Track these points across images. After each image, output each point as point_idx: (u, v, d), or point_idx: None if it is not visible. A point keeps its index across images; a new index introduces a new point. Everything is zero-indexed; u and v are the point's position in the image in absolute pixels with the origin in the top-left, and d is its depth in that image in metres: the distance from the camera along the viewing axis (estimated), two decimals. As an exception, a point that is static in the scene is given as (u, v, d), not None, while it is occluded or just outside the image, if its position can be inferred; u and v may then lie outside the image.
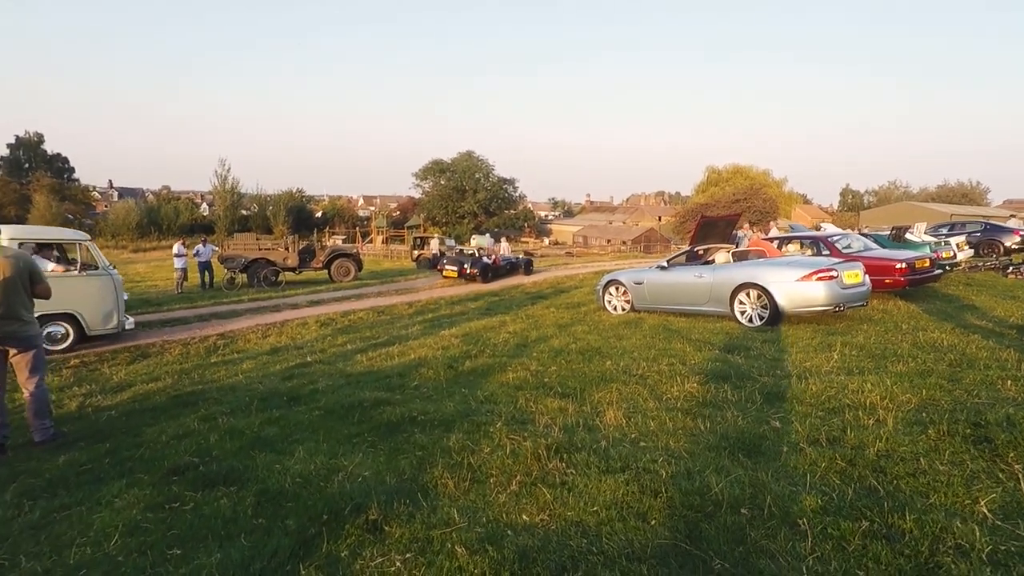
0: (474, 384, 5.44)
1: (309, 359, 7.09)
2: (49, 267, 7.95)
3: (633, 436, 3.58)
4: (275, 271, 16.40)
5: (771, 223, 27.79)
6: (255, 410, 4.80)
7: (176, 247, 15.57)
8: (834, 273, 7.50)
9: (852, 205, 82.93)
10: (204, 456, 3.66)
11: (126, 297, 8.68)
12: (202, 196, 69.02)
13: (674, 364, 5.58)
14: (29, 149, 57.05)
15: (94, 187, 71.47)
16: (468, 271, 17.89)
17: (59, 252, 8.82)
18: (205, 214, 57.98)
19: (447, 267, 18.55)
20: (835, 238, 11.03)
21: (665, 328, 8.14)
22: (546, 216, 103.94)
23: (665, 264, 9.52)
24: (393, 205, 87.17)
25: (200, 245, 16.02)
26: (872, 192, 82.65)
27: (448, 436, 3.69)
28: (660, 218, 76.90)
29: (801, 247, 10.93)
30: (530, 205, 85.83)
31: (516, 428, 3.78)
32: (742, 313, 8.03)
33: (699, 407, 4.12)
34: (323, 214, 66.15)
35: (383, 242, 48.70)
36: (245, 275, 16.16)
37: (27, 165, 55.75)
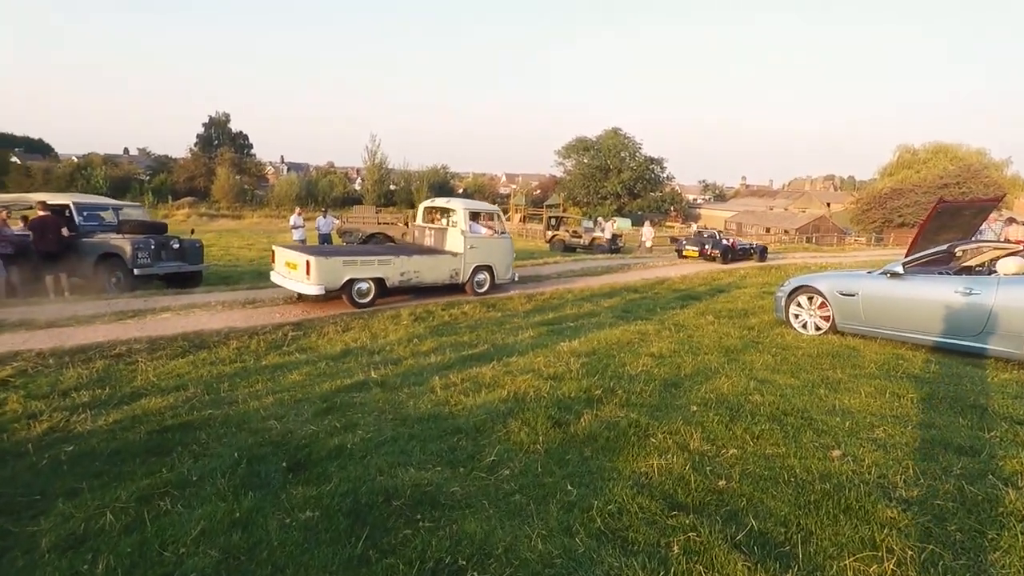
0: (587, 474, 3.15)
1: (373, 375, 5.24)
2: (483, 231, 10.47)
3: None
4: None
5: (999, 215, 21.60)
6: (225, 490, 2.94)
7: (293, 218, 15.02)
8: None
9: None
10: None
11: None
12: (357, 171, 73.15)
13: (976, 472, 2.82)
14: (218, 127, 63.88)
15: (269, 162, 79.15)
16: (709, 252, 18.82)
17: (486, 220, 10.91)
18: (357, 188, 61.10)
19: (687, 247, 19.65)
20: None
21: (905, 372, 5.16)
22: (695, 200, 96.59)
23: (899, 269, 6.33)
24: (535, 183, 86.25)
25: (320, 217, 15.36)
26: None
27: None
28: (828, 204, 67.31)
29: None
30: (677, 187, 79.84)
31: None
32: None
33: None
34: (464, 190, 66.80)
35: (520, 220, 47.50)
36: (364, 250, 15.28)
37: (215, 142, 62.44)
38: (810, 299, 7.30)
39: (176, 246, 10.25)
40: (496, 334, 7.27)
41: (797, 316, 7.43)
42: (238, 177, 53.74)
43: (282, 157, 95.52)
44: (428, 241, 10.88)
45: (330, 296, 8.72)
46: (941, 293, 5.82)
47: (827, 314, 7.06)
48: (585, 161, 60.88)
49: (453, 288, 10.20)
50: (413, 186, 56.44)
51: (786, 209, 63.96)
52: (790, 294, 7.52)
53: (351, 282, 8.59)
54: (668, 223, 62.63)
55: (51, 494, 3.00)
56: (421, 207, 11.62)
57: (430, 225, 11.06)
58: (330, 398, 4.59)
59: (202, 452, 3.52)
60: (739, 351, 6.24)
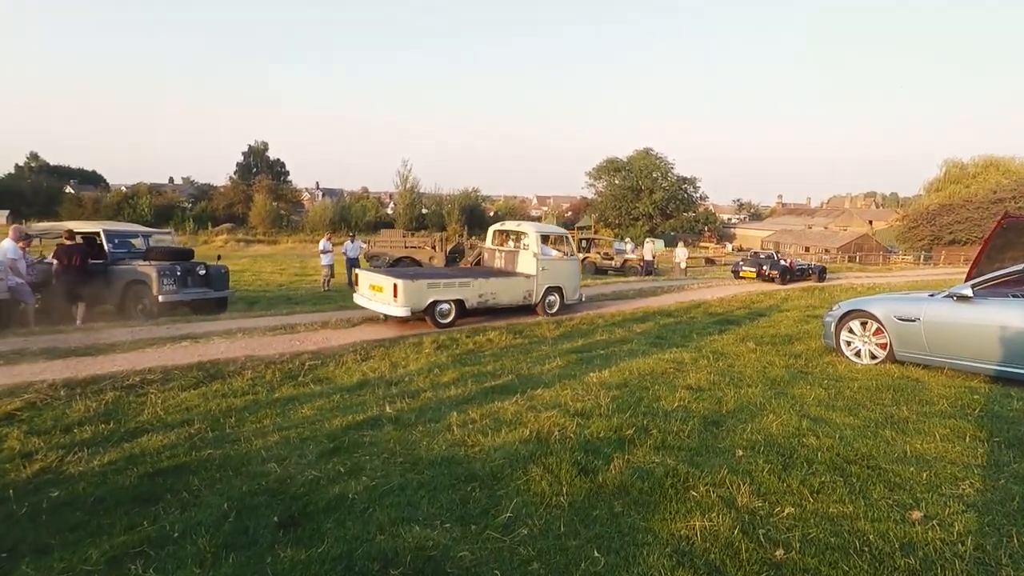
0: (617, 536, 2.72)
1: (388, 409, 4.89)
2: (553, 254, 10.89)
3: None
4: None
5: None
6: (206, 552, 2.61)
7: (322, 243, 15.00)
8: None
9: None
10: None
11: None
12: (390, 196, 74.33)
13: None
14: (256, 156, 65.89)
15: (305, 188, 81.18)
16: (767, 272, 18.78)
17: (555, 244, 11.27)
18: (389, 212, 61.94)
19: (744, 268, 19.65)
20: None
21: (984, 410, 4.57)
22: (729, 219, 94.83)
23: (967, 292, 5.70)
24: (565, 205, 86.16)
25: (348, 241, 15.32)
26: None
27: None
28: (871, 222, 65.08)
29: None
30: (711, 207, 78.47)
31: None
32: None
33: None
34: (495, 213, 67.04)
35: (550, 243, 47.09)
36: (391, 275, 15.14)
37: (254, 170, 64.34)
38: (864, 324, 6.69)
39: (202, 272, 10.23)
40: (521, 363, 6.87)
41: (849, 343, 6.82)
42: (275, 203, 55.10)
43: (317, 183, 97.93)
44: (498, 263, 11.33)
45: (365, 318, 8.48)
46: (1020, 319, 5.18)
47: (884, 341, 6.44)
48: (616, 182, 60.43)
49: (525, 309, 10.55)
50: (444, 210, 56.85)
51: (826, 228, 62.07)
52: (840, 319, 6.92)
53: (434, 304, 9.04)
54: (702, 243, 61.42)
55: (20, 551, 2.72)
56: (491, 230, 12.07)
57: (500, 247, 11.47)
58: (338, 436, 4.25)
59: (192, 501, 3.20)
60: (786, 383, 5.68)
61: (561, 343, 8.22)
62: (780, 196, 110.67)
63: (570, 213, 70.59)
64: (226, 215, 56.62)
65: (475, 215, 59.18)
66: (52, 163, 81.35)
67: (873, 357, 6.56)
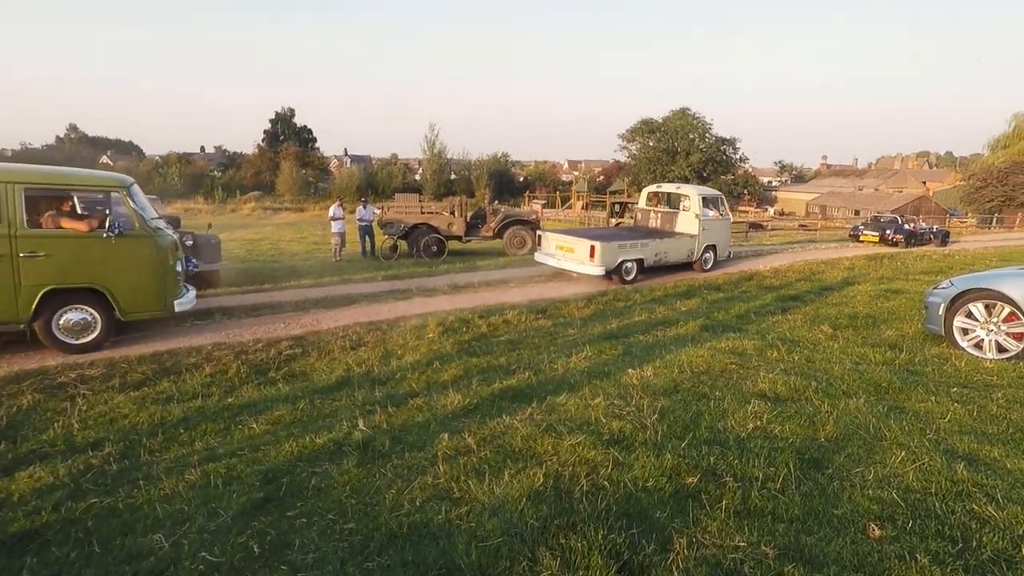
0: None
1: (360, 426, 3.68)
2: (711, 214, 11.28)
3: None
4: (438, 239, 13.80)
5: None
6: None
7: (332, 209, 13.77)
8: None
9: None
10: None
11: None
12: (418, 162, 72.95)
13: None
14: (284, 123, 65.05)
15: (334, 156, 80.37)
16: (891, 237, 17.80)
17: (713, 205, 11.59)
18: (417, 178, 60.67)
19: (865, 232, 18.55)
20: None
21: None
22: (770, 182, 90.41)
23: None
24: (597, 169, 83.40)
25: (360, 207, 14.10)
26: None
27: None
28: (924, 183, 60.78)
29: None
30: (750, 169, 74.64)
31: None
32: None
33: None
34: (525, 178, 65.11)
35: (582, 208, 45.37)
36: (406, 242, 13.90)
37: (281, 137, 63.59)
38: (989, 308, 5.14)
39: (189, 243, 9.15)
40: (541, 353, 5.57)
41: (967, 332, 5.29)
42: (302, 171, 54.32)
43: (345, 150, 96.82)
44: (653, 224, 11.73)
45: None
46: None
47: (1021, 330, 4.90)
48: (651, 144, 57.53)
49: (685, 267, 11.21)
50: (473, 175, 55.20)
51: (876, 190, 58.25)
52: (954, 301, 5.38)
53: (622, 263, 9.77)
54: (741, 208, 58.56)
55: None
56: (645, 191, 12.58)
57: (655, 208, 11.91)
58: (277, 477, 3.05)
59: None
60: (897, 391, 4.24)
61: (591, 325, 6.88)
62: (824, 157, 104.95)
63: (602, 177, 68.01)
64: (254, 183, 56.17)
65: (504, 180, 57.36)
66: (90, 134, 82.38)
67: (1001, 350, 5.03)
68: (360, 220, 14.08)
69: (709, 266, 11.41)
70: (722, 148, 57.45)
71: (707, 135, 57.03)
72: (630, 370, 4.87)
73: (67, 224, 5.48)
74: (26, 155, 61.15)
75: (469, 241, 14.71)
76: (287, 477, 3.04)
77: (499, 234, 14.43)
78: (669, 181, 55.83)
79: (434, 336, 6.22)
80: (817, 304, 8.09)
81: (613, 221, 24.42)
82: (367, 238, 13.96)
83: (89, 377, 4.87)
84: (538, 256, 10.53)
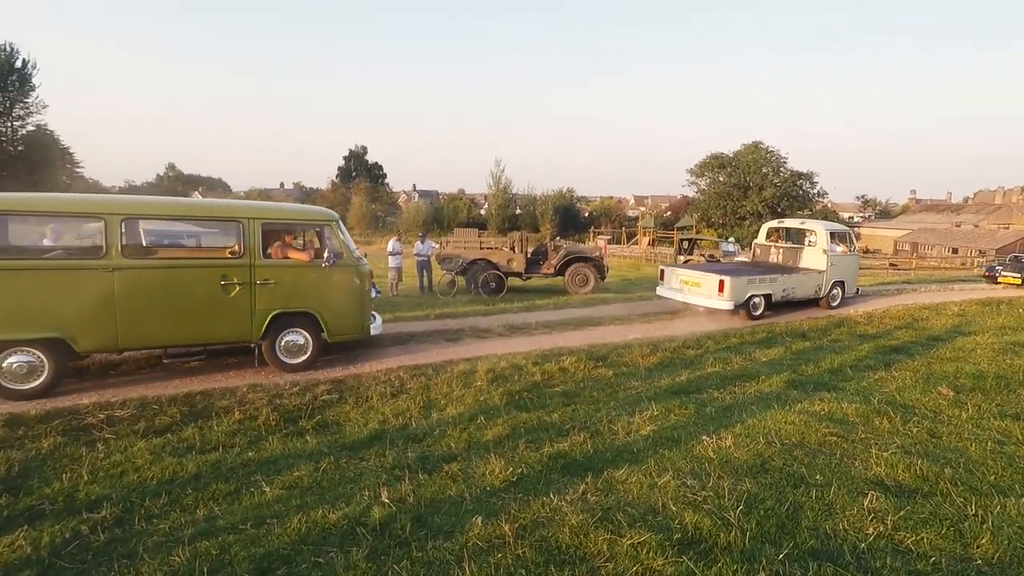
0: None
1: (383, 499, 3.14)
2: (839, 249, 11.10)
3: None
4: (497, 276, 13.37)
5: None
6: None
7: (391, 243, 13.65)
8: None
9: None
10: None
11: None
12: (484, 197, 74.15)
13: None
14: (356, 160, 68.13)
15: (403, 191, 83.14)
16: None
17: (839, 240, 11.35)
18: (482, 213, 61.44)
19: (1005, 273, 16.82)
20: None
21: None
22: (851, 218, 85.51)
23: None
24: (664, 205, 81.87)
25: (418, 242, 13.94)
26: None
27: None
28: (1034, 220, 55.27)
29: None
30: (830, 204, 70.85)
31: None
32: None
33: None
34: (590, 214, 64.62)
35: (649, 244, 44.21)
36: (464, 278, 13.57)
37: (354, 174, 66.53)
38: None
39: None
40: (600, 410, 4.89)
41: None
42: (372, 205, 56.29)
43: (414, 185, 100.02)
44: (774, 259, 11.74)
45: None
46: None
47: None
48: (721, 179, 55.71)
49: (812, 303, 11.04)
50: (538, 210, 55.28)
51: (976, 226, 53.59)
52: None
53: (750, 298, 9.78)
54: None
55: None
56: (765, 227, 12.52)
57: (775, 244, 11.92)
58: (276, 563, 2.55)
59: None
60: (1067, 487, 3.27)
61: (658, 376, 6.13)
62: (913, 192, 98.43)
63: (669, 213, 66.48)
64: (328, 218, 58.67)
65: (569, 216, 57.07)
66: (185, 172, 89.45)
67: None
68: (418, 255, 13.91)
69: (837, 303, 11.16)
70: (798, 183, 54.96)
71: (781, 169, 54.77)
72: (704, 437, 4.12)
73: (292, 255, 6.18)
74: (130, 192, 66.97)
75: (530, 278, 14.20)
76: (284, 568, 2.53)
77: (560, 271, 13.84)
78: (740, 217, 53.79)
79: (482, 384, 5.68)
80: (927, 358, 6.96)
81: (681, 258, 23.29)
82: (425, 273, 13.74)
83: (117, 419, 4.63)
84: (661, 291, 10.73)
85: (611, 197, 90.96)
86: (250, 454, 4.00)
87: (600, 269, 14.27)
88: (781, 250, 11.64)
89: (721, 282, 9.46)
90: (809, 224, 11.65)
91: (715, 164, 57.44)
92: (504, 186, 55.59)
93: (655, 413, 4.75)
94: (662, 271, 10.98)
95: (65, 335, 5.04)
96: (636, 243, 46.20)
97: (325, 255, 6.10)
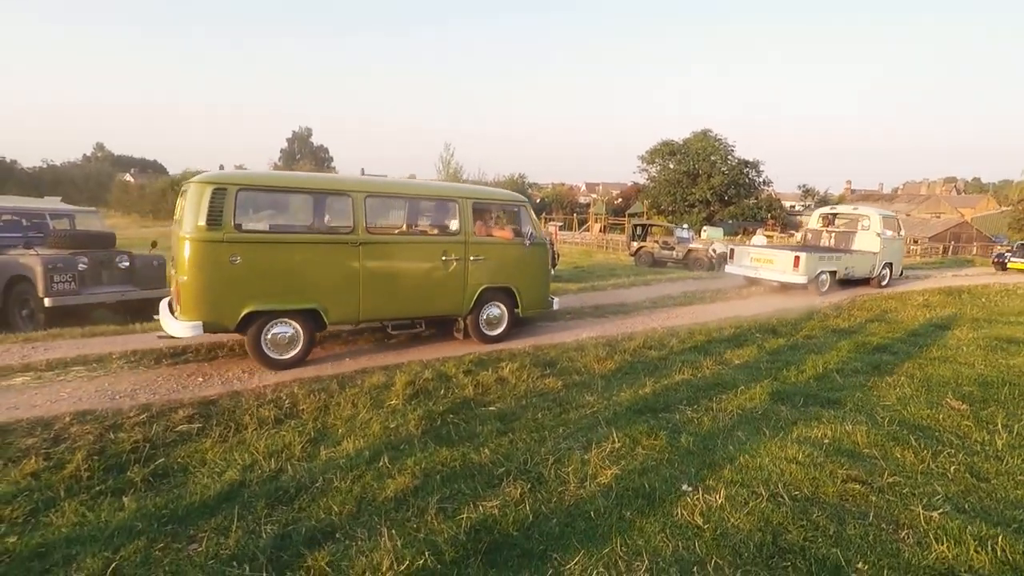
0: None
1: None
2: (889, 234, 11.76)
3: None
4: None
5: None
6: None
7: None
8: None
9: None
10: None
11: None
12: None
13: None
14: (301, 141, 64.88)
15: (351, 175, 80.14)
16: None
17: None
18: (431, 199, 59.71)
19: (1015, 259, 17.17)
20: None
21: None
22: (793, 207, 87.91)
23: None
24: (615, 192, 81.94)
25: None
26: None
27: None
28: (960, 211, 58.06)
29: None
30: (774, 193, 72.43)
31: None
32: None
33: None
34: (542, 200, 63.78)
35: (600, 231, 43.69)
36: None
37: (297, 156, 63.31)
38: None
39: (124, 265, 7.53)
40: (546, 442, 3.74)
41: None
42: (314, 189, 53.66)
43: (363, 170, 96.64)
44: (826, 243, 12.55)
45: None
46: None
47: None
48: (671, 166, 55.77)
49: (863, 282, 11.79)
50: (487, 196, 54.07)
51: (909, 215, 55.74)
52: None
53: (820, 273, 10.52)
54: (766, 232, 56.35)
55: None
56: (817, 212, 13.54)
57: (827, 228, 12.76)
58: None
59: None
60: None
61: (616, 387, 5.02)
62: (849, 182, 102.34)
63: (620, 200, 66.40)
64: (266, 201, 55.54)
65: (520, 202, 56.02)
66: (116, 153, 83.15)
67: None
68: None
69: (886, 282, 12.06)
70: (745, 171, 55.66)
71: (729, 157, 55.30)
72: (685, 487, 3.03)
73: (496, 233, 6.56)
74: (50, 172, 61.32)
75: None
76: None
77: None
78: (689, 204, 54.08)
79: (397, 403, 4.44)
80: (917, 360, 6.14)
81: (635, 244, 22.53)
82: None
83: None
84: (729, 268, 11.54)
85: (563, 184, 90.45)
86: (12, 539, 2.63)
87: (552, 255, 13.16)
88: (833, 234, 12.41)
89: (796, 258, 10.25)
90: (863, 209, 12.50)
91: (665, 151, 57.45)
92: (454, 170, 53.88)
93: (616, 445, 3.64)
94: (732, 250, 11.79)
95: (320, 306, 5.23)
96: (588, 230, 45.66)
97: (527, 233, 6.44)
